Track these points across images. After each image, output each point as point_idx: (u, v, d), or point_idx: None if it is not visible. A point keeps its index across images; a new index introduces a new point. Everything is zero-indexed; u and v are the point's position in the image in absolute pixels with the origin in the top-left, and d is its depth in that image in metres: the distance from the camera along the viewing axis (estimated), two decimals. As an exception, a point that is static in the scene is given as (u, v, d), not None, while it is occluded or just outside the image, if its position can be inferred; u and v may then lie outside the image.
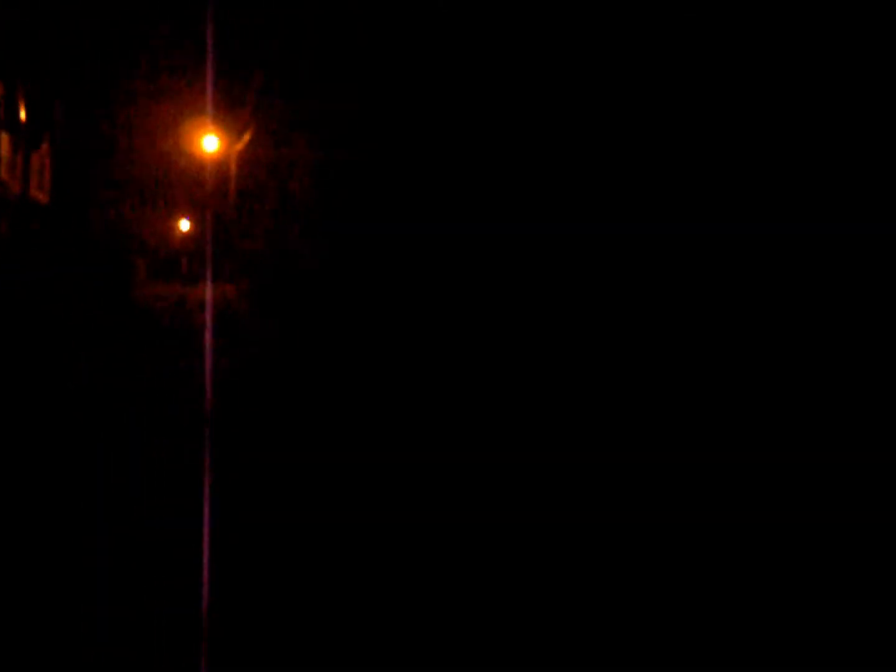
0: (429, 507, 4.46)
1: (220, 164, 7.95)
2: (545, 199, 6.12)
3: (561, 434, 5.29)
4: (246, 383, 6.05)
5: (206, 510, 4.25)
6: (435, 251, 6.47)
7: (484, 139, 6.43)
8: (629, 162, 6.27)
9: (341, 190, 6.64)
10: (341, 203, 6.64)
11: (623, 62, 6.21)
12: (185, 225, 9.91)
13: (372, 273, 6.59)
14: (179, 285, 9.02)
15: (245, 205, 7.95)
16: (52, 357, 6.35)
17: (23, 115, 14.96)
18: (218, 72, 6.89)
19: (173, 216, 9.46)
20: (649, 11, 6.13)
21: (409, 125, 6.73)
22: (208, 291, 6.48)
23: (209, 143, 7.55)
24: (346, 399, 5.73)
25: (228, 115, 8.78)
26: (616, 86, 6.23)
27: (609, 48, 6.17)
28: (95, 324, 7.10)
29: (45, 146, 17.49)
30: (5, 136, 14.99)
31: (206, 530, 4.19)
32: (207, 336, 6.23)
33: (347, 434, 5.50)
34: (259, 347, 6.44)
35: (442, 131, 6.63)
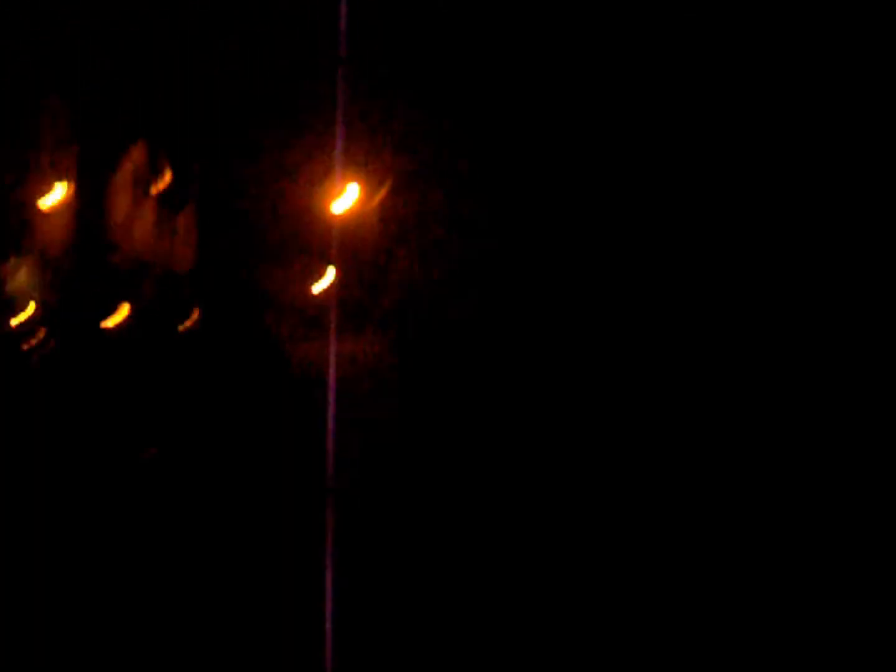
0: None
1: (353, 220, 7.96)
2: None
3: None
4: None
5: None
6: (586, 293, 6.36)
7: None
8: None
9: (484, 238, 6.56)
10: (483, 252, 6.57)
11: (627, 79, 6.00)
12: (320, 284, 9.85)
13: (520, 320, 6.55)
14: (312, 341, 9.14)
15: (382, 259, 7.92)
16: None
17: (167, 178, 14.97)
18: (351, 126, 6.87)
19: (308, 275, 9.46)
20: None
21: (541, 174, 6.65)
22: (332, 348, 6.40)
23: (343, 200, 7.59)
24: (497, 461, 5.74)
25: (363, 168, 8.71)
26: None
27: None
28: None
29: (189, 210, 17.53)
30: (151, 203, 15.01)
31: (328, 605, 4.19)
32: (331, 396, 6.13)
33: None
34: (400, 405, 6.34)
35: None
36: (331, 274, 7.36)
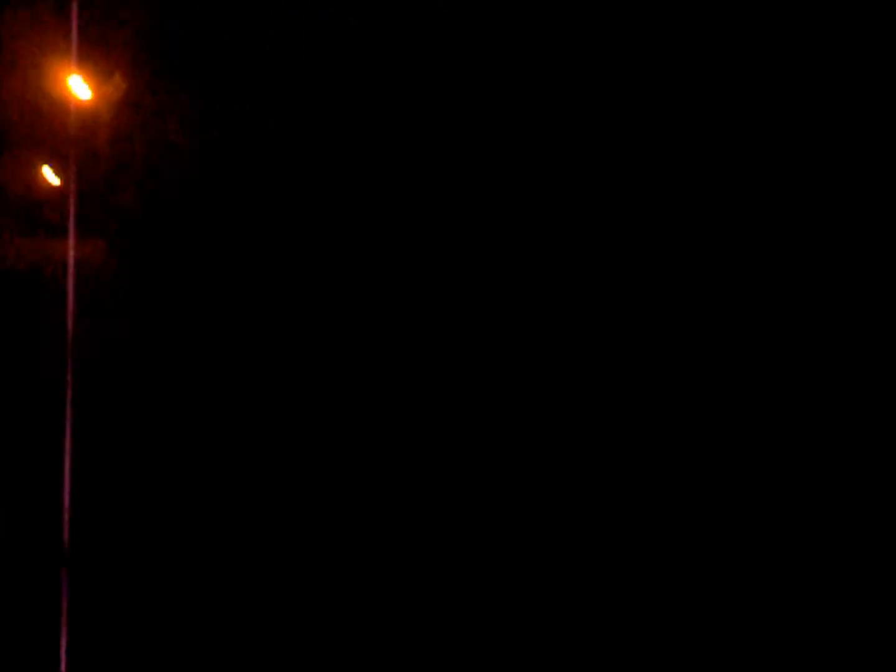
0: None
1: (89, 109, 7.48)
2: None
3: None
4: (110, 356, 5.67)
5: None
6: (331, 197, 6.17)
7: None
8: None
9: (226, 141, 6.34)
10: (224, 155, 6.35)
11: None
12: (50, 175, 9.18)
13: (256, 230, 6.23)
14: (42, 240, 8.53)
15: (117, 154, 7.49)
16: None
17: None
18: (84, 5, 6.45)
19: (37, 164, 8.77)
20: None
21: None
22: (71, 249, 5.98)
23: (76, 85, 7.15)
24: (231, 384, 5.49)
25: (100, 54, 8.21)
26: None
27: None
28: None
29: None
30: None
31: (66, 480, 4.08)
32: (70, 302, 5.77)
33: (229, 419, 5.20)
34: (129, 317, 6.04)
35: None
36: (65, 167, 6.92)
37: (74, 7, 6.87)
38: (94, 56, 7.26)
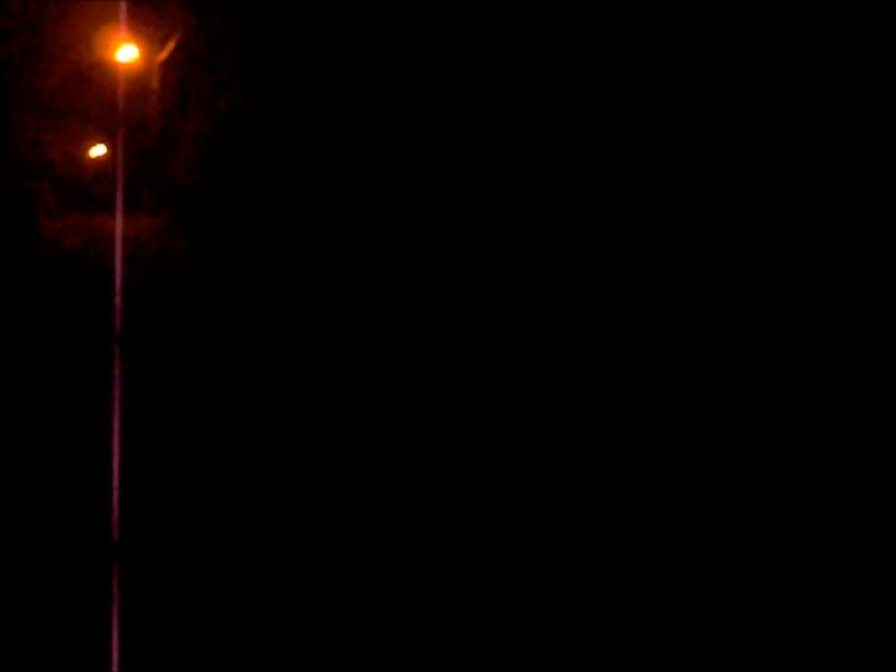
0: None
1: (139, 79, 7.48)
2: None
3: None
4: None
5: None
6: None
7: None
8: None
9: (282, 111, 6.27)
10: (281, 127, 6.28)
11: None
12: (98, 149, 9.21)
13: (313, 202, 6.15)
14: (92, 216, 8.54)
15: (168, 126, 7.45)
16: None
17: None
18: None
19: (85, 137, 8.82)
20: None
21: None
22: (118, 224, 5.81)
23: (125, 53, 7.19)
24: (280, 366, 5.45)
25: (149, 21, 8.30)
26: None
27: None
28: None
29: None
30: None
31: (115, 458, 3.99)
32: (118, 279, 5.62)
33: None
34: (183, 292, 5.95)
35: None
36: (114, 139, 6.86)
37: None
38: (144, 24, 7.38)
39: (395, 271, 5.81)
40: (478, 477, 5.32)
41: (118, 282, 5.55)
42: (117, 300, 5.47)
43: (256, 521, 5.21)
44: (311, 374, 5.55)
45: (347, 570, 5.06)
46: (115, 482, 5.13)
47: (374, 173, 6.10)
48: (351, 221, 6.05)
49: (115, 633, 4.83)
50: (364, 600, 4.96)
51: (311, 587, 4.98)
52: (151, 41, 7.27)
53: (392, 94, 6.12)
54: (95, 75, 7.02)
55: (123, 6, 6.79)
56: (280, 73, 6.65)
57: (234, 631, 4.97)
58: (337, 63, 6.32)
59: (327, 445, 5.50)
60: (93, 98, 6.99)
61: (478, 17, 6.09)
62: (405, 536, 5.01)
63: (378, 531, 5.10)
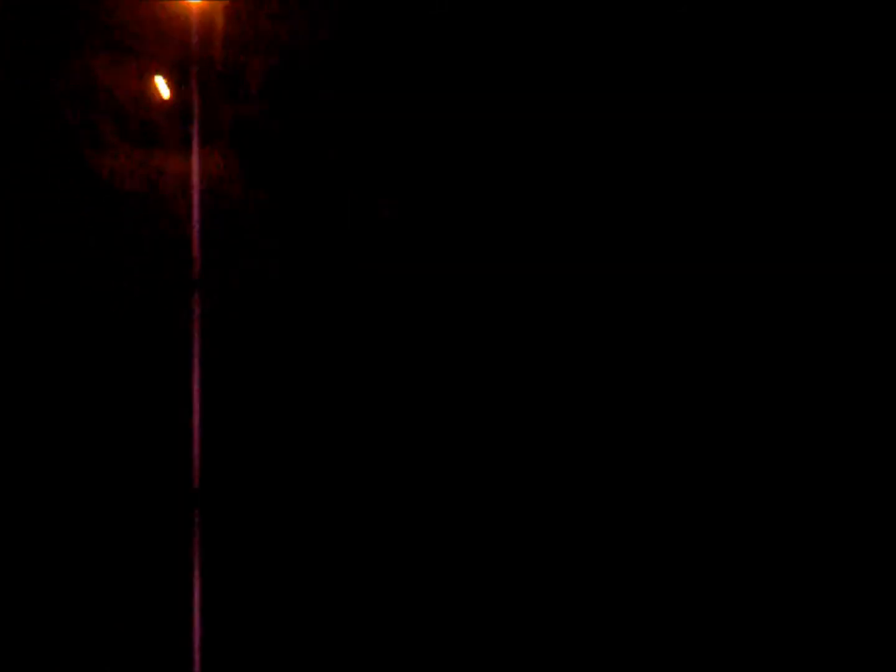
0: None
1: (206, 13, 7.44)
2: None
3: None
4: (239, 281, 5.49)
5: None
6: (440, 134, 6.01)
7: None
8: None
9: (351, 50, 6.18)
10: (351, 66, 6.18)
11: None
12: (163, 86, 9.16)
13: (380, 150, 6.05)
14: (157, 153, 8.38)
15: (236, 61, 7.36)
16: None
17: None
18: None
19: (150, 73, 8.79)
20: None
21: None
22: (195, 168, 5.72)
23: None
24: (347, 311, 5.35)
25: None
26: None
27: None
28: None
29: None
30: None
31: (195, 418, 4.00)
32: (194, 222, 5.51)
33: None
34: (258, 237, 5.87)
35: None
36: (184, 77, 6.79)
37: None
38: None
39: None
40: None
41: (195, 228, 5.49)
42: (195, 248, 5.40)
43: (335, 469, 5.18)
44: (384, 322, 5.50)
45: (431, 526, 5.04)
46: (196, 429, 5.08)
47: (449, 113, 6.09)
48: (428, 160, 6.02)
49: (196, 582, 4.82)
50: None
51: (393, 547, 4.95)
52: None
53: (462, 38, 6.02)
54: (165, 12, 7.03)
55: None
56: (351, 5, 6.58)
57: (314, 582, 4.95)
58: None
59: (407, 399, 5.47)
60: (163, 35, 6.99)
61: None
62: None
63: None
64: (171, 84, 7.10)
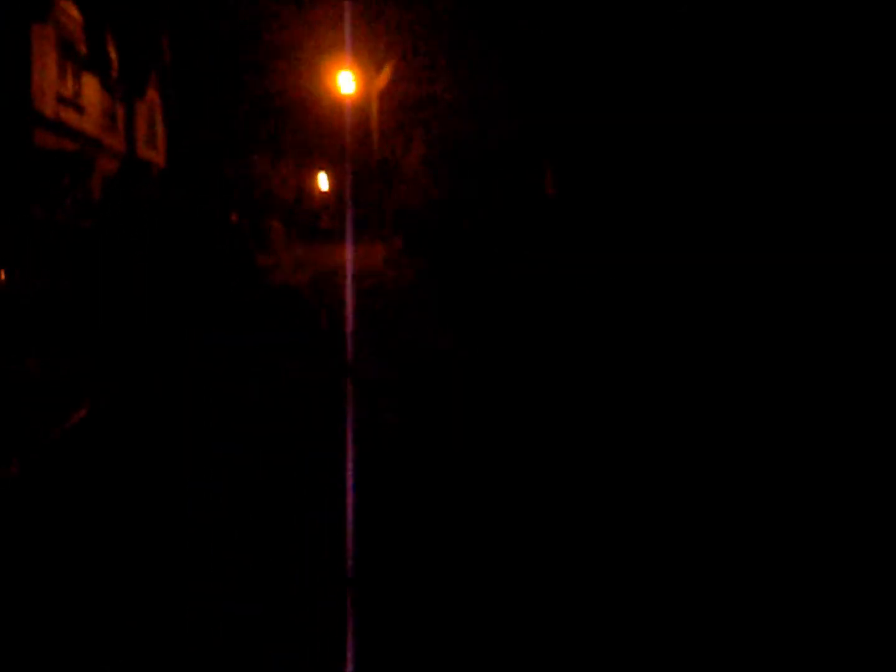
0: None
1: (360, 107, 9.27)
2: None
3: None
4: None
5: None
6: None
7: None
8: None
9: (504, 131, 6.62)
10: (505, 146, 6.76)
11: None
12: (323, 180, 12.43)
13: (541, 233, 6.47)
14: (320, 245, 9.89)
15: (390, 152, 9.74)
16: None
17: (113, 53, 11.70)
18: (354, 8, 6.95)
19: (311, 169, 11.09)
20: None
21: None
22: (349, 251, 6.40)
23: (346, 82, 8.49)
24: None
25: (366, 51, 9.05)
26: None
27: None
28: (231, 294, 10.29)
29: (152, 94, 13.81)
30: (93, 80, 11.28)
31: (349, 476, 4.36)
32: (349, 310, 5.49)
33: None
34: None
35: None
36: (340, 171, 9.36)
37: (347, 10, 9.27)
38: (363, 53, 7.93)
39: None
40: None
41: (349, 310, 5.39)
42: (348, 327, 5.46)
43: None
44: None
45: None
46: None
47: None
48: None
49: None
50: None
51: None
52: (368, 71, 9.25)
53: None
54: (324, 111, 10.14)
55: (346, 36, 8.14)
56: (498, 99, 7.43)
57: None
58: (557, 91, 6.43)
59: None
60: (317, 129, 9.73)
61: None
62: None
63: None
64: (331, 177, 11.70)
